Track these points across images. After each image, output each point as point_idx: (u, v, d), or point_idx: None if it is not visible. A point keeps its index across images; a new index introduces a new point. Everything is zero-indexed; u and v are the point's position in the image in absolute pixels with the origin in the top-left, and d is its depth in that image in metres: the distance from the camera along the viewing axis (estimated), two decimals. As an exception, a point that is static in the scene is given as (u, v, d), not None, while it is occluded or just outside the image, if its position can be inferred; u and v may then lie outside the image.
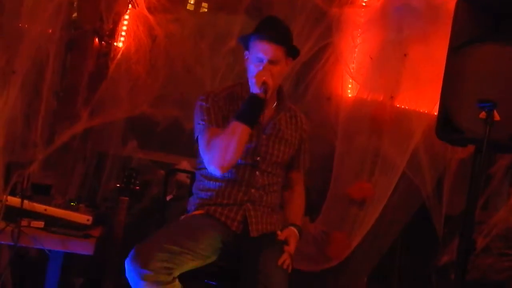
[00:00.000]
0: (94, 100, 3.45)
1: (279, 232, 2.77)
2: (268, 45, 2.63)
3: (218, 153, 2.59)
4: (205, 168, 2.72)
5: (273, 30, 2.68)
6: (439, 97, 2.74)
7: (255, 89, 2.58)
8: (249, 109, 2.60)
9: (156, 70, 3.57)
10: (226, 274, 2.70)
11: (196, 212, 2.76)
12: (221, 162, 2.59)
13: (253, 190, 2.73)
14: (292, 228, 2.81)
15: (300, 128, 2.94)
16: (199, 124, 2.73)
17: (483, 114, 2.48)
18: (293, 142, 2.88)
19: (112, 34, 3.58)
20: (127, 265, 2.39)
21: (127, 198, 3.01)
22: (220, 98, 2.76)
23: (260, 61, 2.64)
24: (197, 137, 2.73)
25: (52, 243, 2.79)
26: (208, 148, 2.64)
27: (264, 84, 2.56)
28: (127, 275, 2.40)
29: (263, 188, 2.76)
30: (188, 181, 3.46)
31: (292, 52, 2.75)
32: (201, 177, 2.82)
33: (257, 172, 2.74)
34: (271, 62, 2.64)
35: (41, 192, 3.18)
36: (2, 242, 2.76)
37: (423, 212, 3.67)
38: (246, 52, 2.75)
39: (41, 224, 2.84)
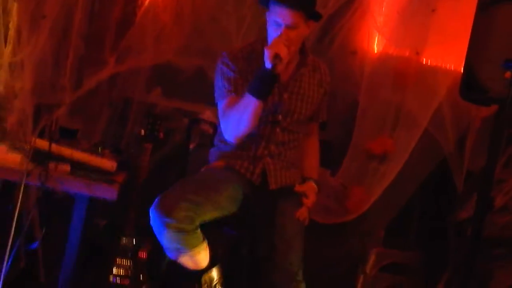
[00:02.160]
0: (121, 46, 3.48)
1: (297, 185, 2.82)
2: (286, 10, 2.54)
3: (232, 125, 2.65)
4: None
5: None
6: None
7: (267, 62, 2.51)
8: (260, 84, 2.55)
9: (182, 19, 3.56)
10: (245, 224, 2.77)
11: (217, 163, 2.82)
12: (234, 133, 2.67)
13: (273, 146, 2.77)
14: (311, 182, 2.86)
15: (324, 82, 2.93)
16: (219, 89, 2.75)
17: (508, 74, 2.46)
18: (315, 98, 2.88)
19: (141, -19, 3.57)
20: (151, 213, 2.48)
21: (150, 145, 3.06)
22: (239, 59, 2.75)
23: (278, 25, 2.57)
24: (217, 102, 2.77)
25: (78, 187, 2.86)
26: (223, 117, 2.70)
27: (276, 57, 2.48)
28: (151, 223, 2.49)
29: (282, 144, 2.79)
30: (211, 130, 3.51)
31: (313, 15, 2.67)
32: (223, 130, 2.86)
33: (277, 129, 2.77)
34: (289, 27, 2.56)
35: (68, 136, 3.24)
36: (31, 183, 2.84)
37: (444, 168, 3.66)
38: (267, 13, 2.68)
39: (67, 167, 2.91)
